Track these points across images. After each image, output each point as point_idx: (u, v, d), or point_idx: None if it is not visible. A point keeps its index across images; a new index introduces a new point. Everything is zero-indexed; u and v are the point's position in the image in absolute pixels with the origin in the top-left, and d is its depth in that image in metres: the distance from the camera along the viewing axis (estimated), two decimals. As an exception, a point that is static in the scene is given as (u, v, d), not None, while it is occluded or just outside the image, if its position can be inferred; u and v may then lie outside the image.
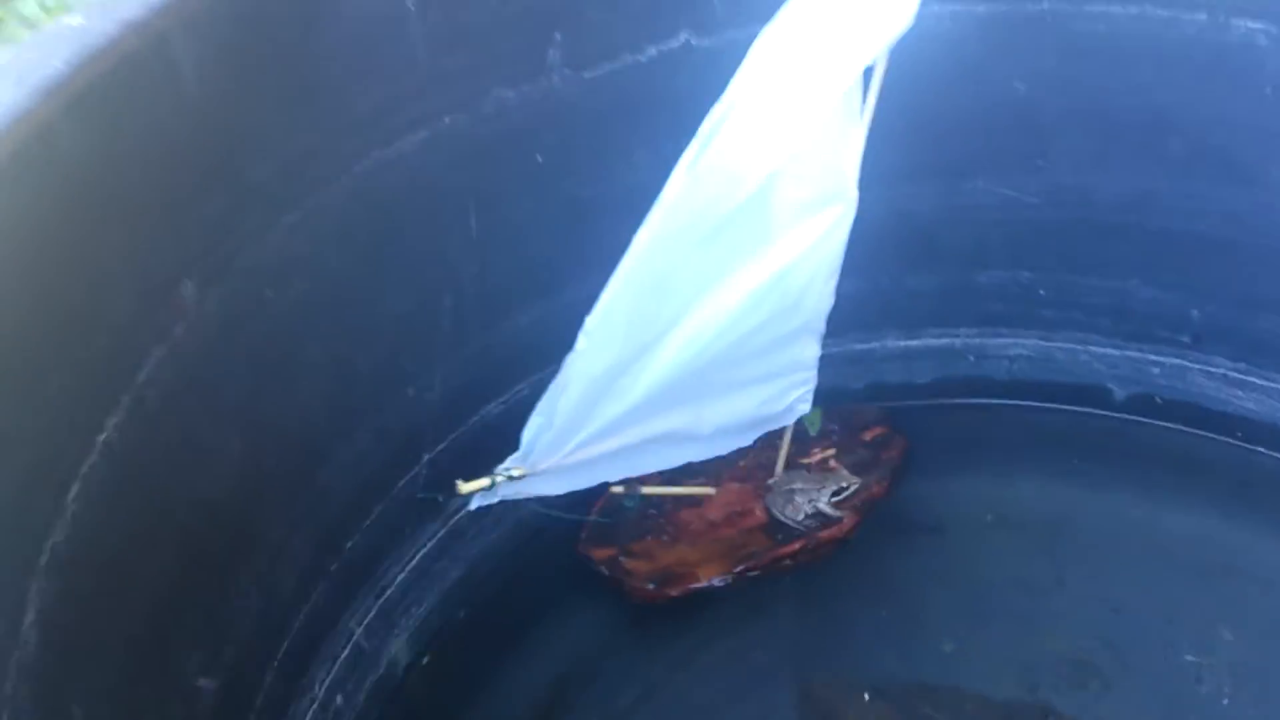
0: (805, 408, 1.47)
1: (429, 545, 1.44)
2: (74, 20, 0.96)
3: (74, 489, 0.87)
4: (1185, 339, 1.63)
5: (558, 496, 1.42)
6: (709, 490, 1.57)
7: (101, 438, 0.91)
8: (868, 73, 1.18)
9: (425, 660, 1.45)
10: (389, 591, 1.38)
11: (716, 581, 1.48)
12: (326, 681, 1.27)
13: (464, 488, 1.24)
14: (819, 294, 1.32)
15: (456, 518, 1.46)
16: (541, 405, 1.23)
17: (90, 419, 0.91)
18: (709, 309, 1.25)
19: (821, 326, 1.38)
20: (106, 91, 0.91)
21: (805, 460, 1.60)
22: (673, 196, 1.12)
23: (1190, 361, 1.64)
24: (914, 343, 1.71)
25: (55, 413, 0.87)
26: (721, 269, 1.23)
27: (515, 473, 1.25)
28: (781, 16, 1.12)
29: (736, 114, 1.11)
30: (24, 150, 0.84)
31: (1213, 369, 1.64)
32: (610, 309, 1.18)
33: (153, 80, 0.96)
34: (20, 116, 0.84)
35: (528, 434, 1.24)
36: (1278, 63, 1.40)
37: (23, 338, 0.83)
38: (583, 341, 1.19)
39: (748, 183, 1.16)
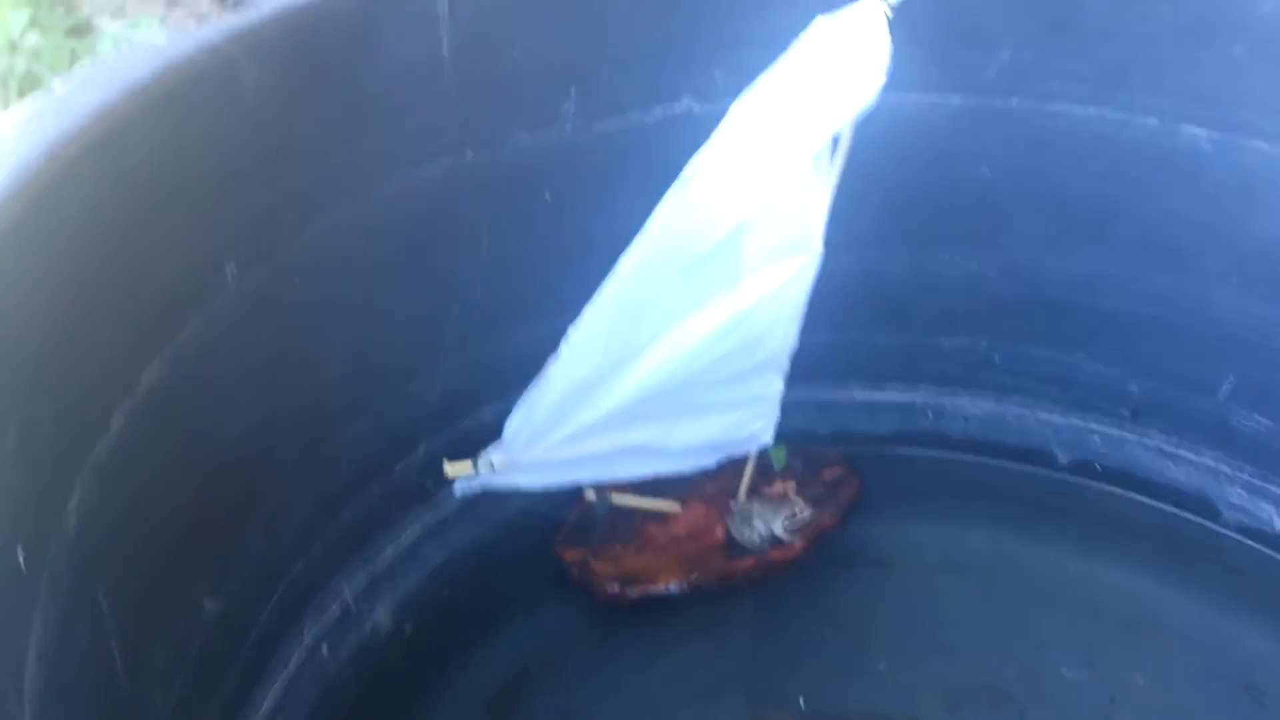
0: (767, 439, 1.62)
1: (417, 528, 1.60)
2: (159, 40, 1.16)
3: (118, 416, 1.05)
4: (1124, 412, 1.77)
5: (542, 500, 1.59)
6: (675, 508, 1.72)
7: (144, 378, 1.09)
8: (836, 140, 1.36)
9: (406, 631, 1.60)
10: (377, 563, 1.54)
11: (673, 587, 1.63)
12: (315, 631, 1.43)
13: (450, 468, 1.40)
14: (782, 335, 1.48)
15: (444, 508, 1.62)
16: (522, 402, 1.40)
17: (136, 363, 1.09)
18: (680, 335, 1.41)
19: (785, 365, 1.54)
20: (179, 98, 1.12)
21: (767, 490, 1.76)
22: (654, 231, 1.31)
23: (1128, 432, 1.78)
24: (878, 395, 1.86)
25: (108, 353, 1.05)
26: (693, 301, 1.41)
27: (496, 461, 1.42)
28: (758, 85, 1.31)
29: (714, 164, 1.29)
30: (106, 139, 1.04)
31: (1148, 441, 1.77)
32: (592, 324, 1.36)
33: (218, 93, 1.16)
34: (107, 112, 1.05)
35: (509, 428, 1.41)
36: (1218, 166, 1.56)
37: (85, 291, 1.02)
38: (565, 350, 1.37)
39: (721, 227, 1.34)
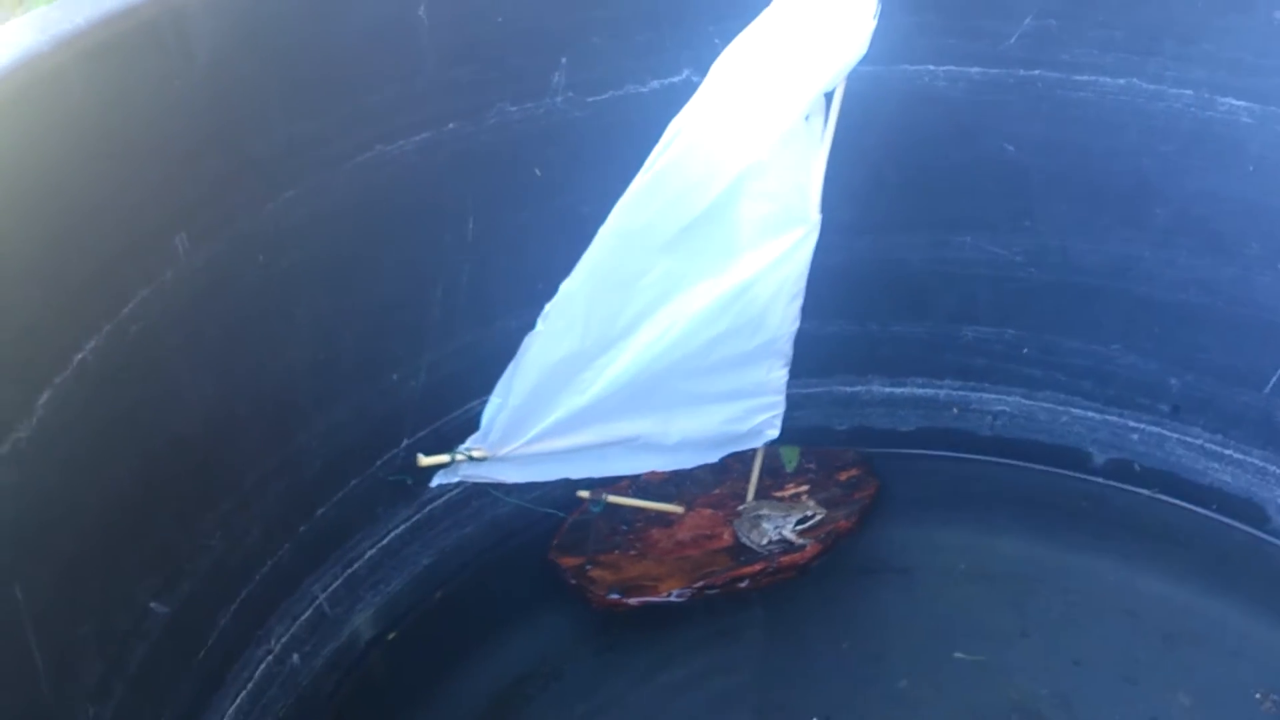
0: (774, 432, 1.51)
1: (401, 528, 1.50)
2: (104, -10, 1.07)
3: (44, 395, 0.96)
4: (1164, 408, 1.65)
5: (536, 498, 1.49)
6: (679, 510, 1.61)
7: (78, 356, 1.00)
8: (829, 98, 1.26)
9: (389, 638, 1.50)
10: (357, 564, 1.44)
11: (675, 596, 1.52)
12: (284, 638, 1.33)
13: (424, 460, 1.30)
14: (782, 314, 1.37)
15: (431, 505, 1.52)
16: (499, 385, 1.30)
17: (69, 337, 1.00)
18: (671, 312, 1.31)
19: (788, 350, 1.43)
20: (118, 50, 1.03)
21: (778, 493, 1.65)
22: (632, 196, 1.21)
23: (1169, 430, 1.66)
24: (899, 390, 1.75)
25: (36, 323, 0.96)
26: (684, 276, 1.30)
27: (476, 454, 1.31)
28: (740, 40, 1.21)
29: (697, 123, 1.19)
30: (36, 86, 0.96)
31: (1190, 439, 1.65)
32: (570, 297, 1.26)
33: (164, 47, 1.08)
34: (36, 58, 0.96)
35: (487, 414, 1.31)
36: (1260, 141, 1.44)
37: (12, 250, 0.93)
38: (541, 324, 1.27)
39: (707, 191, 1.24)
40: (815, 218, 1.28)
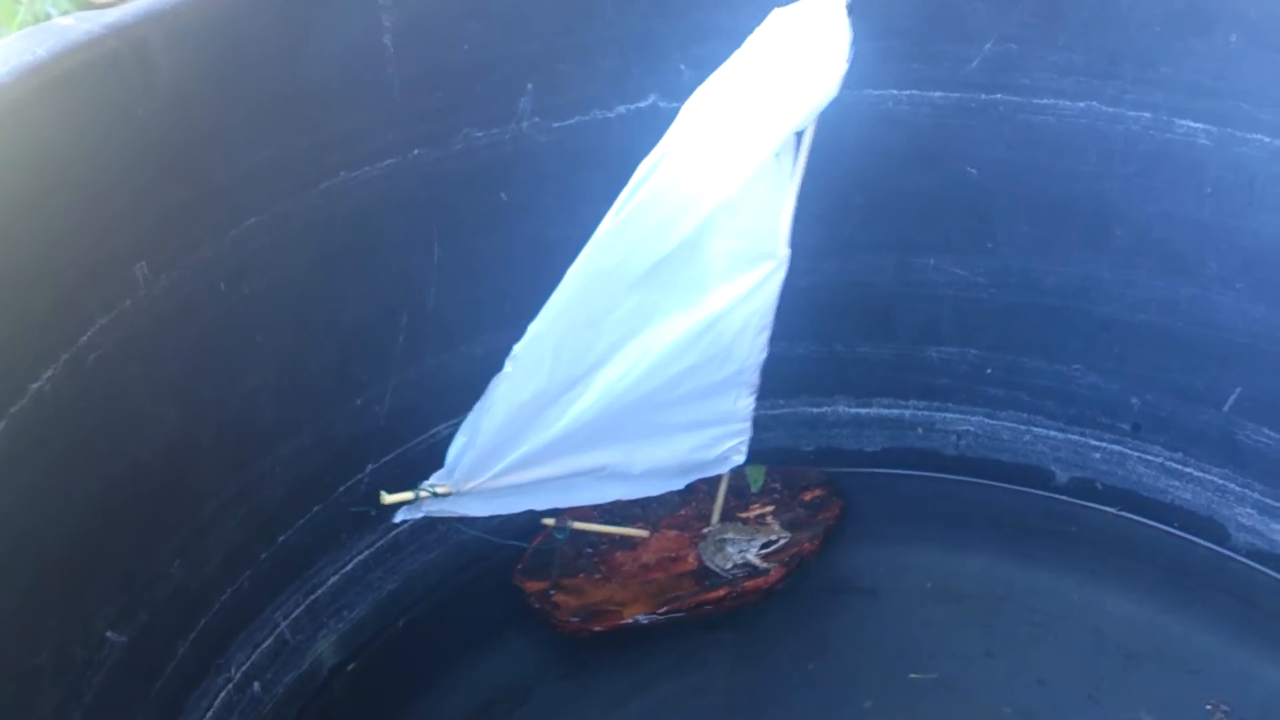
0: (740, 459, 1.52)
1: (365, 554, 1.49)
2: (66, 20, 1.08)
3: (-1, 425, 0.95)
4: (1125, 426, 1.67)
5: (500, 524, 1.49)
6: (643, 533, 1.61)
7: (35, 385, 0.99)
8: (799, 136, 1.27)
9: (351, 666, 1.49)
10: (320, 591, 1.43)
11: (640, 619, 1.52)
12: (245, 667, 1.32)
13: (387, 499, 1.29)
14: (750, 346, 1.38)
15: (395, 531, 1.52)
16: (465, 424, 1.29)
17: (26, 367, 0.99)
18: (639, 348, 1.31)
19: (755, 380, 1.44)
20: (80, 81, 1.03)
21: (743, 514, 1.65)
22: (603, 236, 1.21)
23: (1129, 449, 1.67)
24: (865, 411, 1.76)
25: (-9, 352, 0.96)
26: (653, 311, 1.30)
27: (440, 490, 1.31)
28: (712, 80, 1.22)
29: (667, 165, 1.20)
30: (-5, 118, 0.95)
31: (1151, 457, 1.66)
32: (539, 338, 1.26)
33: (127, 77, 1.07)
34: (-4, 90, 0.96)
35: (452, 452, 1.31)
36: (1218, 163, 1.46)
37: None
38: (509, 366, 1.27)
39: (678, 229, 1.24)
40: (784, 252, 1.29)
